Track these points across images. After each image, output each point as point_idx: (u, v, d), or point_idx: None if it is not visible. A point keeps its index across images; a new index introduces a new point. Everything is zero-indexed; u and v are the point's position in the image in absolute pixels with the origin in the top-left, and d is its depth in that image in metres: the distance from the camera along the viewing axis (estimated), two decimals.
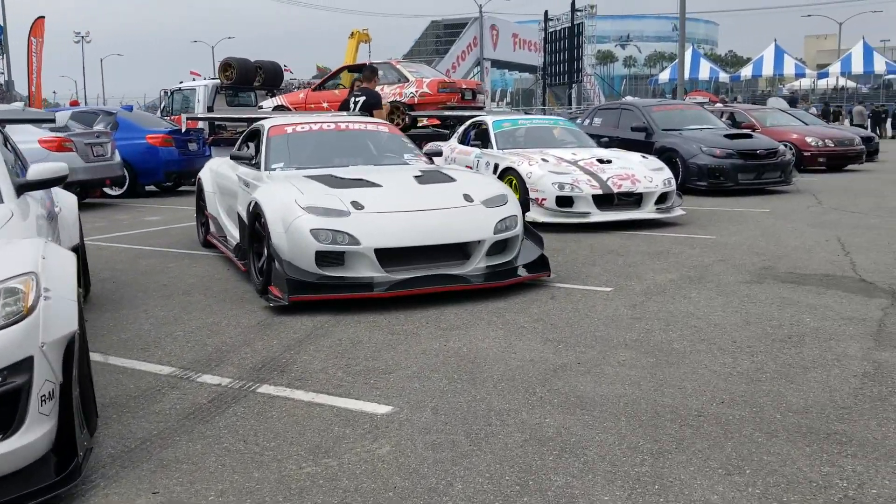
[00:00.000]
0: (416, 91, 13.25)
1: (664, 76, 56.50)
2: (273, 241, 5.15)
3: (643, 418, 3.10)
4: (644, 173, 8.67)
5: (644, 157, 9.22)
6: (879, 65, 48.61)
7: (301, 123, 6.88)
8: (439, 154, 7.34)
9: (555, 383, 3.54)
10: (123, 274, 6.41)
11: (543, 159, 8.71)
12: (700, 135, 12.22)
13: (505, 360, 3.91)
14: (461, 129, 10.88)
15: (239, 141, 7.70)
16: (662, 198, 8.62)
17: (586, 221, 8.26)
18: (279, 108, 15.25)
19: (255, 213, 5.51)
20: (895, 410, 3.09)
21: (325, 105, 14.38)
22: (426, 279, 5.15)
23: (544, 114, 35.10)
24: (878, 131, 30.45)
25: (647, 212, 8.49)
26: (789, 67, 51.70)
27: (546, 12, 44.40)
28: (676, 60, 33.91)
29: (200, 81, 17.66)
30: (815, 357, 3.83)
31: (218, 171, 7.40)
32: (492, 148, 9.64)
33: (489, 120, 10.18)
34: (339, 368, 3.84)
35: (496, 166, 9.12)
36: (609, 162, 8.81)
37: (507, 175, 8.83)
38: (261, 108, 15.80)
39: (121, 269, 6.59)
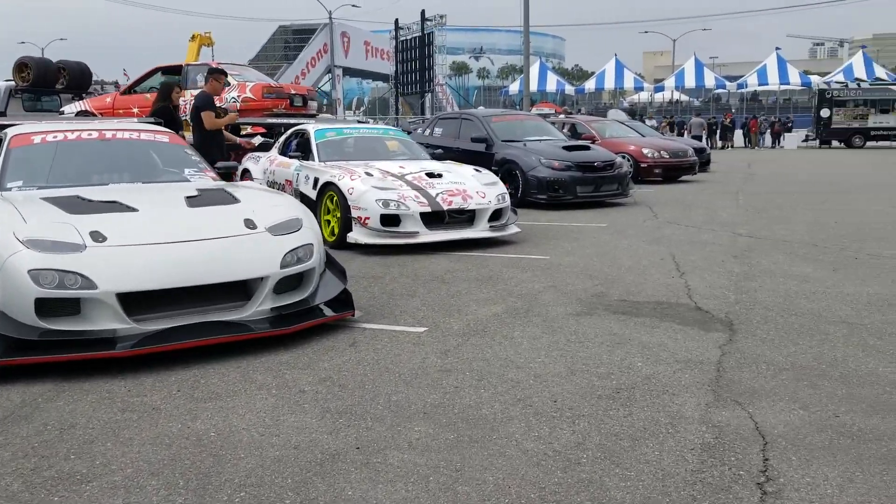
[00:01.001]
0: (239, 96, 12.01)
1: (514, 88, 57.63)
2: None
3: None
4: (476, 188, 7.99)
5: (477, 170, 8.56)
6: (709, 79, 51.93)
7: (54, 132, 5.61)
8: (234, 168, 6.23)
9: (315, 486, 2.61)
10: None
11: (367, 173, 7.82)
12: (539, 146, 11.82)
13: (262, 448, 2.94)
14: (282, 138, 9.81)
15: None
16: (497, 214, 7.98)
17: (414, 242, 7.44)
18: (83, 114, 13.51)
19: None
20: None
21: (135, 111, 12.82)
22: (190, 330, 4.08)
23: (397, 123, 34.49)
24: (709, 143, 32.20)
25: (480, 230, 7.81)
26: (629, 81, 54.25)
27: (396, 21, 43.97)
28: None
29: None
30: (646, 421, 3.15)
31: None
32: (313, 160, 8.64)
33: (311, 129, 9.18)
34: (19, 475, 2.72)
35: (316, 180, 8.14)
36: (439, 176, 8.06)
37: (328, 190, 7.88)
38: (62, 113, 13.93)
39: None
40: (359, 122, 14.95)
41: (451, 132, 13.10)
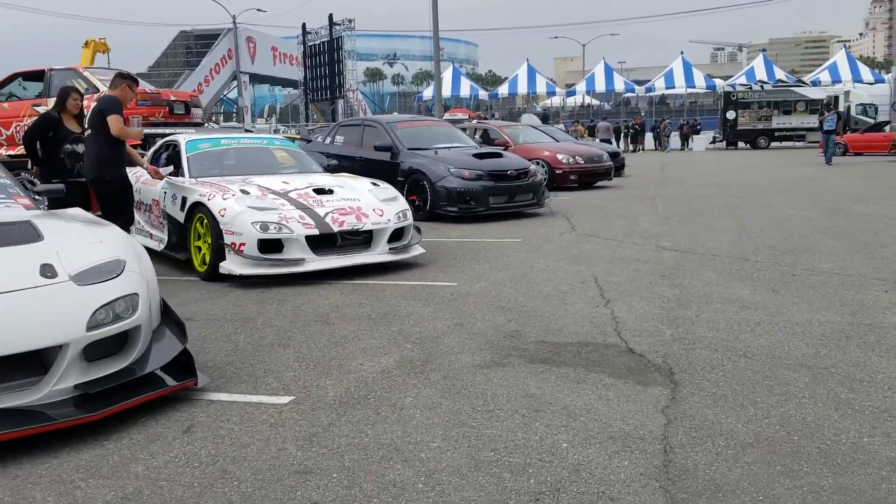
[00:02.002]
0: None
1: (428, 93, 56.87)
2: None
3: None
4: (373, 205, 6.99)
5: (375, 184, 7.54)
6: (619, 84, 52.52)
7: None
8: (60, 193, 5.00)
9: None
10: None
11: (243, 191, 6.69)
12: (449, 155, 10.92)
13: None
14: (150, 150, 8.56)
15: None
16: (397, 234, 7.00)
17: (300, 271, 6.37)
18: None
19: None
20: None
21: None
22: None
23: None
24: (621, 146, 32.21)
25: (378, 253, 6.81)
26: (541, 86, 54.34)
27: (304, 25, 42.50)
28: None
29: None
30: None
31: None
32: (183, 176, 7.44)
33: (182, 140, 7.96)
34: None
35: (184, 200, 6.95)
36: (330, 192, 7.01)
37: (198, 212, 6.72)
38: None
39: None
40: (247, 130, 13.69)
41: (353, 140, 12.08)
